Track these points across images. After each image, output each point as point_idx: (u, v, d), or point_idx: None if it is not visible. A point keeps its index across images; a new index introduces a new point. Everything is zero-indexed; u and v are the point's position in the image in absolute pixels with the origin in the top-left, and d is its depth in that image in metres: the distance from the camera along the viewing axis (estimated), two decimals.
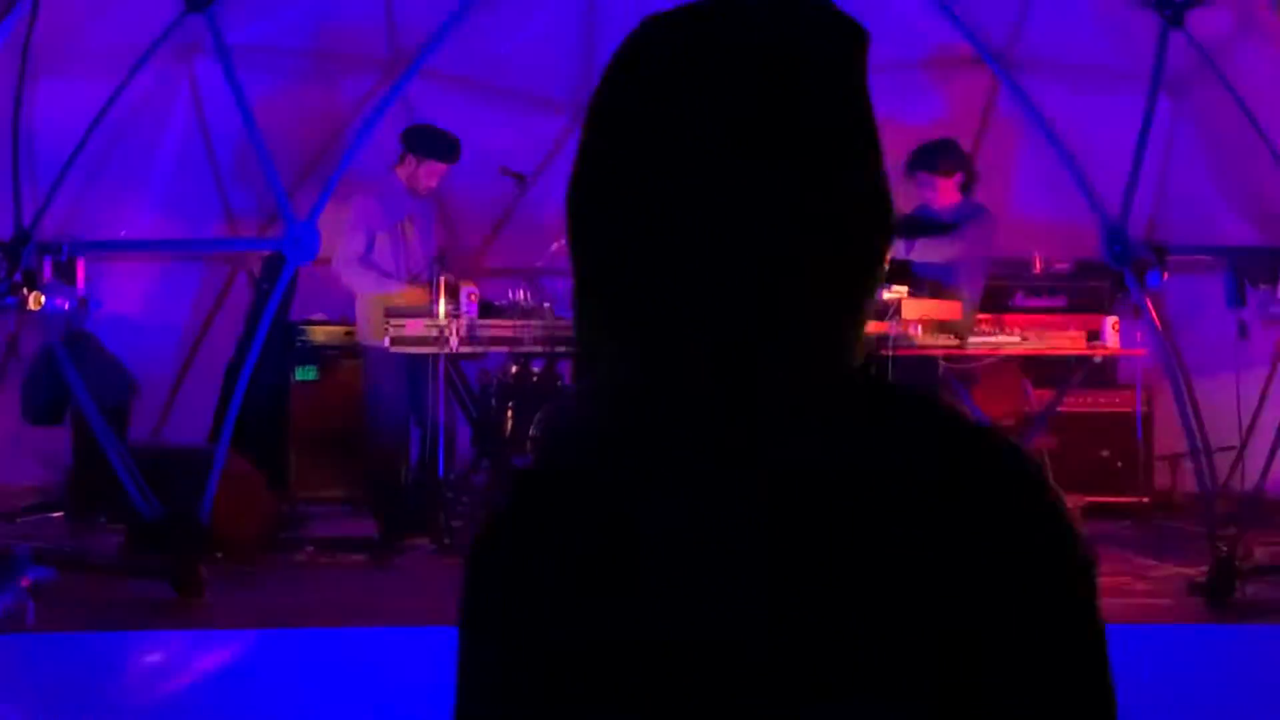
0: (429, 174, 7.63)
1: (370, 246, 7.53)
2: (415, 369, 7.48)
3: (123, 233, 8.48)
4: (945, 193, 7.32)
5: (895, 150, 7.47)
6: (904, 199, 7.75)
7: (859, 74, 1.18)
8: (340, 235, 7.56)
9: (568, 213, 1.21)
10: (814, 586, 1.10)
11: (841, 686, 1.09)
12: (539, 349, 7.62)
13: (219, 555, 6.60)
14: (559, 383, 7.96)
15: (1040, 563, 1.12)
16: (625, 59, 1.19)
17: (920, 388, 1.27)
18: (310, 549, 7.30)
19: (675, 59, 1.16)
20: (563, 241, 1.23)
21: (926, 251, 7.16)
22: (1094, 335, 7.29)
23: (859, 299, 1.18)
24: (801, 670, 1.09)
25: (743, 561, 1.12)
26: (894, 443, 1.15)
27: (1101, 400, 8.62)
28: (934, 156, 7.38)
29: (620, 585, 1.13)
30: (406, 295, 7.43)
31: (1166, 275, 6.68)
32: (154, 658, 5.15)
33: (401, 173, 7.65)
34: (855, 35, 1.18)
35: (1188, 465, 7.72)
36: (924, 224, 7.26)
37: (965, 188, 7.34)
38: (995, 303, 8.29)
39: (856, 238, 1.17)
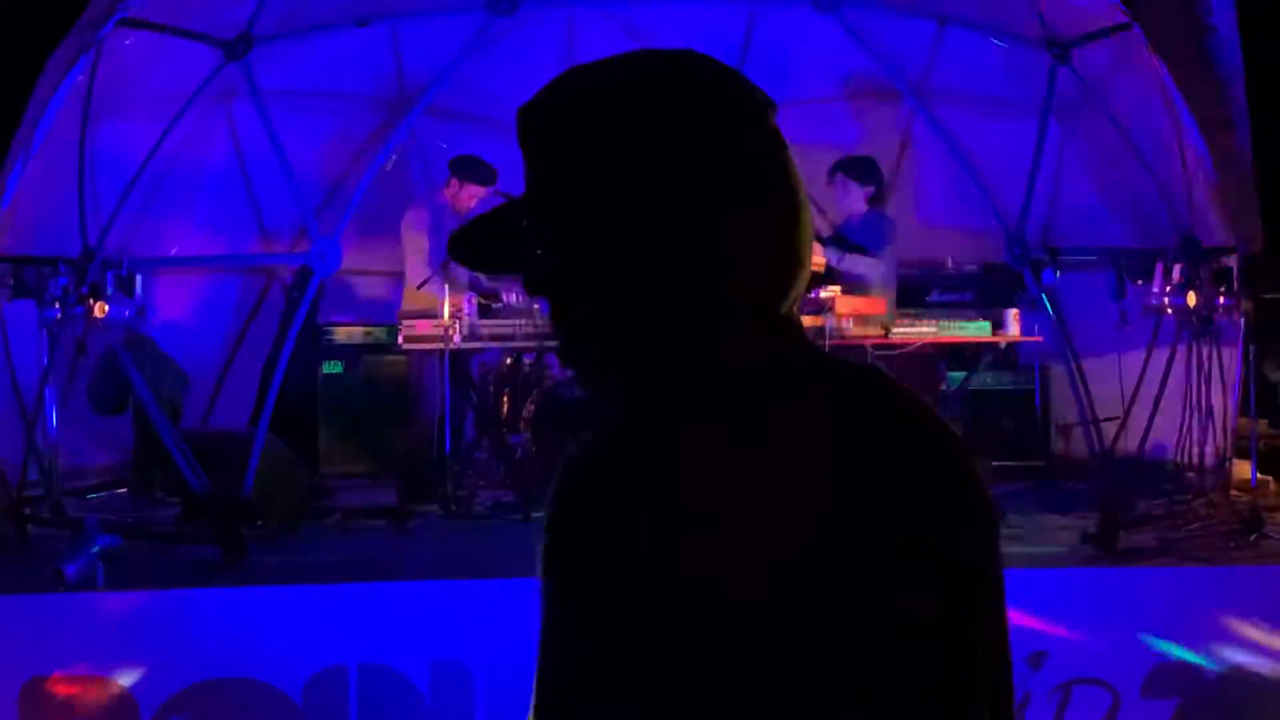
0: (470, 196, 7.71)
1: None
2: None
3: (174, 250, 8.44)
4: (855, 199, 7.37)
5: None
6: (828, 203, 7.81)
7: (744, 114, 1.18)
8: (417, 247, 7.56)
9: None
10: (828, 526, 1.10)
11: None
12: (529, 344, 7.61)
13: (260, 523, 6.60)
14: (547, 372, 7.99)
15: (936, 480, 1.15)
16: (544, 99, 1.21)
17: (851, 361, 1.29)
18: (338, 515, 7.29)
19: (578, 101, 1.19)
20: None
21: (855, 265, 7.21)
22: (998, 325, 7.32)
23: (787, 290, 1.21)
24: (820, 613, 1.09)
25: (778, 504, 1.12)
26: (838, 395, 1.18)
27: (1006, 379, 8.67)
28: (856, 165, 7.42)
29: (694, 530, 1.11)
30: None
31: (1059, 273, 6.73)
32: (206, 611, 5.15)
33: (447, 194, 7.75)
34: (747, 90, 1.19)
35: (1079, 433, 7.78)
36: (852, 245, 7.30)
37: (874, 200, 7.39)
38: (914, 298, 8.33)
39: (766, 245, 1.18)
